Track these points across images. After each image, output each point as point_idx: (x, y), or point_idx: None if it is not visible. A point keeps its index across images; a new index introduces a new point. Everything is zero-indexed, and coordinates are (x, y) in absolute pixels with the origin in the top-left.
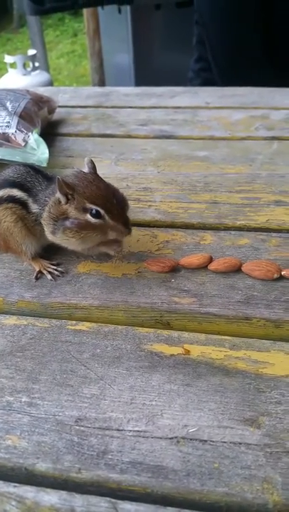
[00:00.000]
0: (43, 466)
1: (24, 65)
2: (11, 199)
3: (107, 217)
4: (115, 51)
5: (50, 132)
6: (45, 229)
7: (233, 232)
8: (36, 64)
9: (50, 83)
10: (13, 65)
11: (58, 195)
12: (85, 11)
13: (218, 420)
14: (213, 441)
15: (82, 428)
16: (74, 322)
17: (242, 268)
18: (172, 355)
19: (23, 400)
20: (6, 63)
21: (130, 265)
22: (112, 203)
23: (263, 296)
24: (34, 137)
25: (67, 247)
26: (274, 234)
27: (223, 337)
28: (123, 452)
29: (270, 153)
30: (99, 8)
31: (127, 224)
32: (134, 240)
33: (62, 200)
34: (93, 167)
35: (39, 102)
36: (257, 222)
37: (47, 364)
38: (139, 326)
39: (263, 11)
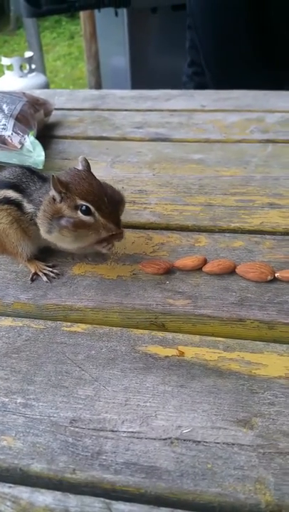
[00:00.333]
0: (37, 466)
1: (21, 67)
2: (7, 200)
3: (97, 214)
4: (112, 54)
5: (47, 135)
6: (41, 228)
7: (227, 235)
8: (33, 66)
9: (47, 85)
10: (9, 67)
11: (52, 192)
12: (82, 14)
13: (212, 421)
14: (206, 442)
15: (76, 429)
16: (69, 324)
17: (236, 270)
18: (167, 356)
19: (18, 401)
20: (2, 65)
21: (125, 267)
22: (102, 201)
23: (257, 297)
24: (30, 140)
25: (61, 247)
26: (268, 236)
27: (217, 338)
28: (117, 453)
29: (264, 156)
30: (95, 11)
31: (117, 222)
32: (129, 242)
33: (57, 197)
34: (87, 165)
35: (35, 104)
36: (251, 224)
37: (42, 365)
38: (134, 328)
39: (255, 16)
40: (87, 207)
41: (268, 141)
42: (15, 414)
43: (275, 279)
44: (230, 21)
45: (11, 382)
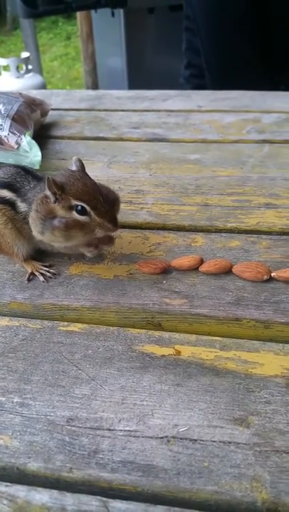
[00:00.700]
0: (34, 465)
1: (17, 68)
2: (1, 200)
3: (93, 213)
4: (108, 54)
5: (43, 135)
6: (33, 229)
7: (224, 235)
8: (30, 67)
9: (44, 86)
10: (6, 68)
11: (47, 193)
12: (79, 14)
13: (208, 420)
14: (203, 441)
15: (73, 428)
16: (66, 323)
17: (232, 270)
18: (163, 355)
19: (14, 400)
20: None
21: (122, 267)
22: (98, 200)
23: (253, 297)
24: (27, 140)
25: (52, 247)
26: (264, 236)
27: (213, 338)
28: (114, 452)
29: (261, 156)
30: (92, 12)
31: (114, 221)
32: (126, 242)
33: (51, 198)
34: (81, 165)
35: (32, 104)
36: (247, 224)
37: (39, 365)
38: (131, 327)
39: (257, 19)
40: (82, 207)
41: (265, 141)
42: (12, 413)
43: (271, 279)
44: (232, 24)
45: (7, 382)
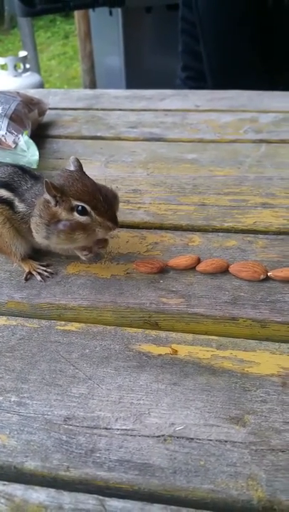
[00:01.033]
0: (31, 464)
1: (15, 67)
2: None
3: (93, 213)
4: (106, 53)
5: (41, 134)
6: (37, 234)
7: (220, 234)
8: (27, 65)
9: (42, 85)
10: (4, 67)
11: (47, 197)
12: (76, 13)
13: (205, 418)
14: (199, 439)
15: (70, 427)
16: (63, 322)
17: (229, 269)
18: (160, 355)
19: (12, 399)
20: None
21: (119, 266)
22: (98, 200)
23: (250, 296)
24: (24, 139)
25: (48, 246)
26: (261, 235)
27: (210, 337)
28: (111, 450)
29: (258, 156)
30: (90, 10)
31: (114, 220)
32: (124, 242)
33: (52, 202)
34: (79, 165)
35: (29, 104)
36: (244, 224)
37: (36, 364)
38: (128, 327)
39: (257, 19)
40: (83, 207)
41: (262, 141)
42: (9, 412)
43: (267, 278)
44: (235, 26)
45: (5, 381)
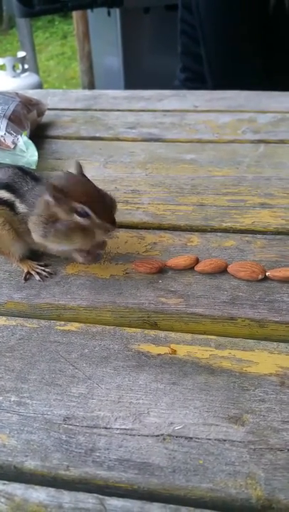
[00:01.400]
0: (31, 463)
1: (14, 67)
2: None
3: (93, 216)
4: (105, 53)
5: (40, 135)
6: (34, 233)
7: (219, 234)
8: (26, 66)
9: (40, 85)
10: (2, 67)
11: (47, 197)
12: (75, 14)
13: (204, 418)
14: (198, 439)
15: (70, 426)
16: (62, 323)
17: (228, 269)
18: (159, 354)
19: (12, 399)
20: None
21: (118, 266)
22: (98, 203)
23: (248, 296)
24: (23, 140)
25: (45, 248)
26: (259, 236)
27: (208, 337)
28: (110, 450)
29: (256, 156)
30: (88, 11)
31: (112, 221)
32: (122, 242)
33: (52, 202)
34: (79, 168)
35: (28, 104)
36: (243, 224)
37: (36, 364)
38: (127, 327)
39: (262, 23)
40: (83, 209)
41: (260, 141)
42: (9, 412)
43: (266, 278)
44: (237, 27)
45: (4, 381)
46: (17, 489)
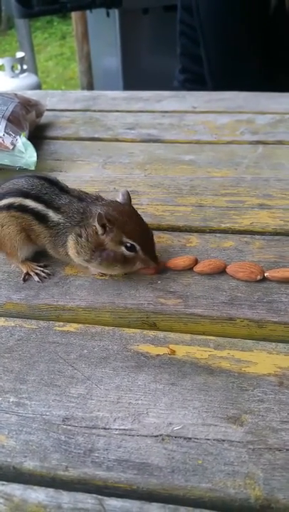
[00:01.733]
0: (30, 464)
1: (12, 68)
2: (22, 208)
3: (140, 251)
4: (103, 54)
5: (38, 136)
6: (78, 254)
7: (218, 235)
8: (24, 66)
9: (39, 86)
10: (1, 68)
11: (97, 225)
12: (74, 14)
13: (203, 418)
14: (197, 439)
15: (69, 427)
16: (61, 323)
17: (226, 270)
18: (158, 355)
19: (11, 400)
20: None
21: None
22: (146, 239)
23: (247, 297)
24: (22, 140)
25: (80, 266)
26: (257, 236)
27: (207, 337)
28: (109, 450)
29: (254, 157)
30: (87, 12)
31: (155, 258)
32: None
33: (100, 231)
34: (128, 198)
35: (27, 105)
36: (241, 225)
37: (34, 365)
38: (126, 327)
39: (262, 25)
40: (132, 245)
41: (259, 142)
42: (8, 412)
43: (264, 279)
44: (238, 28)
45: (3, 382)
46: (16, 490)
